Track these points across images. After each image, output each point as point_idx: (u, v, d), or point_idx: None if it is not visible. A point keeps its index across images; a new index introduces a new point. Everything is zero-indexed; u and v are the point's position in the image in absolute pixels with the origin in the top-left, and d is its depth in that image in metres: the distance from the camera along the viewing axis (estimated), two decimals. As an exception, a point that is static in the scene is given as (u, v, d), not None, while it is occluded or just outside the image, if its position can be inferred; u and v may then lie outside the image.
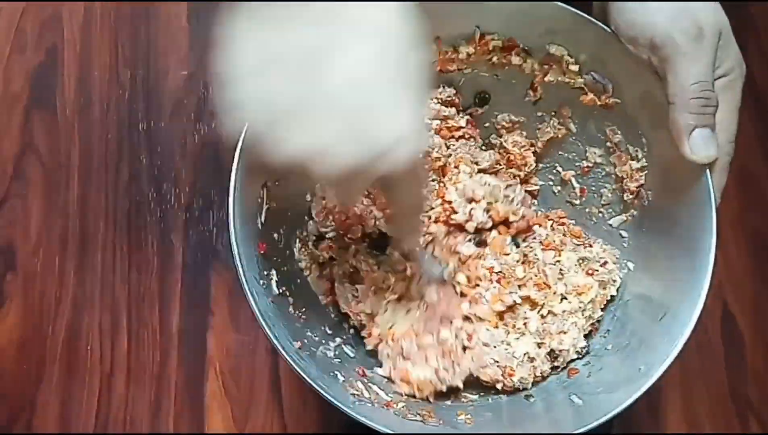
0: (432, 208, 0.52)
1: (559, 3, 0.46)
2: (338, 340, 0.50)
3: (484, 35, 0.50)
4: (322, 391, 0.40)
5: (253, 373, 0.62)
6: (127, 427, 0.61)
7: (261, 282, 0.45)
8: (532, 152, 0.56)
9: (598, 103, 0.50)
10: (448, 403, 0.47)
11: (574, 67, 0.49)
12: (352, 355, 0.50)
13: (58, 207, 0.66)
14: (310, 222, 0.53)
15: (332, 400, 0.40)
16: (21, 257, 0.65)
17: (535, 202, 0.57)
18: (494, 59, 0.51)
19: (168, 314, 0.63)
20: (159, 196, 0.66)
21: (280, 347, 0.41)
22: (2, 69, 0.70)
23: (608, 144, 0.52)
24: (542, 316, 0.51)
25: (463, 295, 0.51)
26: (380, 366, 0.50)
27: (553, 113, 0.54)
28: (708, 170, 0.42)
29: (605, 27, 0.45)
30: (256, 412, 0.61)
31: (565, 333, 0.49)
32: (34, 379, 0.62)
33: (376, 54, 0.29)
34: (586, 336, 0.50)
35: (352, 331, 0.52)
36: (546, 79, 0.51)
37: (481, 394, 0.49)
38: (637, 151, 0.50)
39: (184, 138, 0.68)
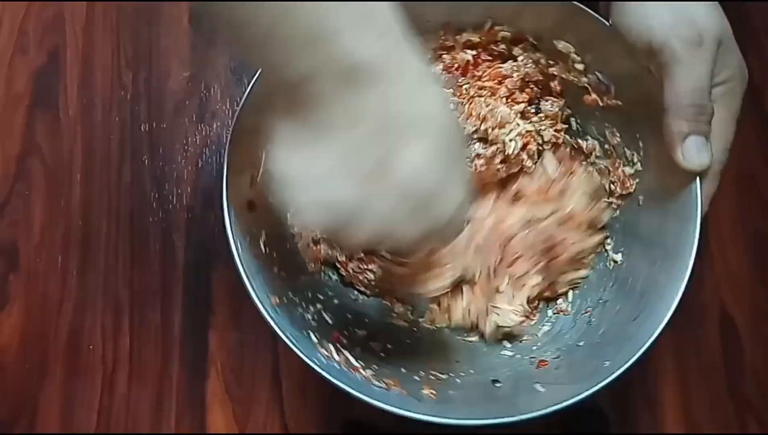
0: None
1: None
2: (319, 305, 0.50)
3: (494, 26, 0.50)
4: (289, 342, 0.40)
5: (255, 372, 0.62)
6: (129, 426, 0.61)
7: (247, 237, 0.45)
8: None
9: (600, 104, 0.50)
10: (416, 378, 0.48)
11: (580, 66, 0.49)
12: (330, 322, 0.50)
13: (60, 207, 0.66)
14: None
15: (300, 353, 0.40)
16: (24, 257, 0.65)
17: None
18: (501, 48, 0.51)
19: (170, 313, 0.63)
20: (161, 196, 0.67)
21: (255, 297, 0.41)
22: (5, 70, 0.70)
23: (606, 146, 0.52)
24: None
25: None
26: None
27: None
28: (698, 178, 0.42)
29: (611, 26, 0.45)
30: (257, 412, 0.61)
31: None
32: (37, 378, 0.62)
33: (434, 147, 0.32)
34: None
35: (335, 300, 0.53)
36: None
37: (451, 374, 0.49)
38: (633, 154, 0.50)
39: (185, 139, 0.68)
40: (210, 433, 0.61)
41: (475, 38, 0.51)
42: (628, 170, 0.50)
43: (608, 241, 0.53)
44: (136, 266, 0.65)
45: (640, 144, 0.49)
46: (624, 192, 0.51)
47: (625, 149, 0.50)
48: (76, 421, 0.61)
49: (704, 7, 0.41)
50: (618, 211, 0.52)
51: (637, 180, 0.50)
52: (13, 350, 0.63)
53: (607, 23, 0.45)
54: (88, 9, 0.72)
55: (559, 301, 0.54)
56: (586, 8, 0.46)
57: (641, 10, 0.42)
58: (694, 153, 0.41)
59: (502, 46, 0.51)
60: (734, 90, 0.42)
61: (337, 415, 0.61)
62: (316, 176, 0.32)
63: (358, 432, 0.60)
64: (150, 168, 0.67)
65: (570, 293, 0.54)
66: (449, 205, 0.34)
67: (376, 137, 0.31)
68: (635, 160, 0.50)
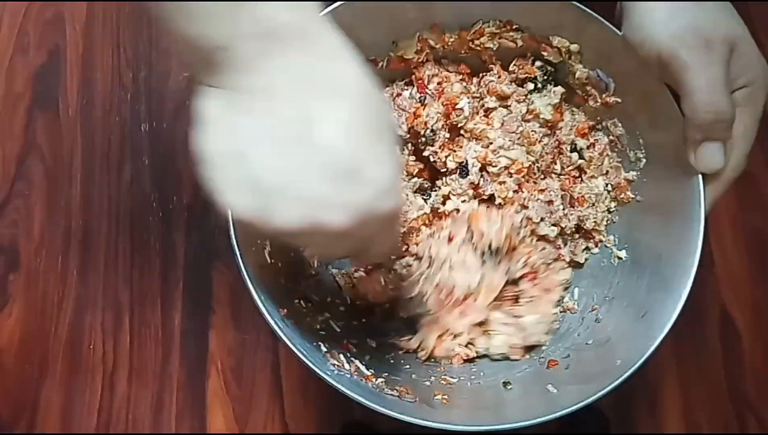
0: None
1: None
2: (326, 314, 0.50)
3: (478, 22, 0.50)
4: (302, 356, 0.40)
5: (255, 371, 0.62)
6: (129, 426, 0.61)
7: (253, 248, 0.45)
8: None
9: (599, 101, 0.50)
10: (427, 384, 0.48)
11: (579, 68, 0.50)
12: (338, 329, 0.50)
13: (60, 207, 0.66)
14: None
15: (312, 366, 0.40)
16: (24, 257, 0.65)
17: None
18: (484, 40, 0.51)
19: (170, 313, 0.63)
20: (161, 196, 0.67)
21: (264, 311, 0.41)
22: (5, 70, 0.70)
23: (611, 137, 0.52)
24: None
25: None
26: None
27: None
28: (701, 177, 0.42)
29: (609, 24, 0.45)
30: (257, 411, 0.61)
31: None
32: (37, 377, 0.62)
33: (354, 113, 0.30)
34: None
35: (342, 308, 0.53)
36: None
37: (462, 378, 0.49)
38: (636, 152, 0.50)
39: (185, 139, 0.68)
40: (210, 433, 0.61)
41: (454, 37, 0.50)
42: (630, 175, 0.50)
43: (611, 238, 0.53)
44: (136, 266, 0.65)
45: (641, 141, 0.49)
46: (625, 199, 0.51)
47: (627, 148, 0.50)
48: (76, 421, 0.61)
49: (712, 12, 0.41)
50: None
51: (637, 191, 0.50)
52: (13, 350, 0.63)
53: (604, 20, 0.45)
54: (88, 9, 0.73)
55: (565, 298, 0.54)
56: (585, 7, 0.46)
57: (649, 22, 0.41)
58: (707, 157, 0.41)
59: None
60: (755, 95, 0.41)
61: (337, 415, 0.61)
62: (236, 151, 0.30)
63: (357, 432, 0.60)
64: (150, 168, 0.67)
65: (575, 290, 0.54)
66: (376, 182, 0.31)
67: (295, 102, 0.29)
68: (640, 156, 0.50)
